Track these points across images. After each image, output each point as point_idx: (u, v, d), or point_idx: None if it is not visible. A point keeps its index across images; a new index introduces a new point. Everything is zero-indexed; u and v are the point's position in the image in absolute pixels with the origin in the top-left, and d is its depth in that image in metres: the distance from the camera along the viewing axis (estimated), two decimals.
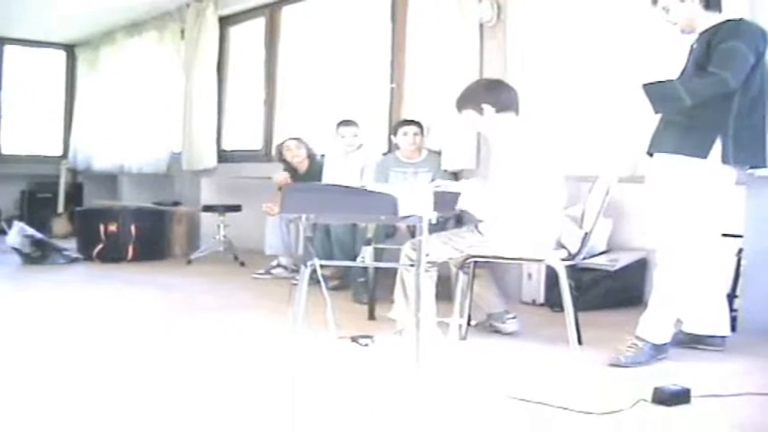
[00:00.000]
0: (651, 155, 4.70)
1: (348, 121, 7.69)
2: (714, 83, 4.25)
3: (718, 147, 4.39)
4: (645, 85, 4.42)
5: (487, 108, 5.06)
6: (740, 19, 4.49)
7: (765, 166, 4.65)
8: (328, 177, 7.58)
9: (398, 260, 5.22)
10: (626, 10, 6.06)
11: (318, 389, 4.01)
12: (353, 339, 5.07)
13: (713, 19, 4.50)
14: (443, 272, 5.18)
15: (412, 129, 6.96)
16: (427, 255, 4.76)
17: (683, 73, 4.62)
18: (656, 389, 3.77)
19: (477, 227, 5.04)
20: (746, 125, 4.41)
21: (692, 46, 4.64)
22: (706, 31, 4.49)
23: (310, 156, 8.16)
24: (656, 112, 4.51)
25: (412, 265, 4.59)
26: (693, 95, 4.28)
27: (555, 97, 6.56)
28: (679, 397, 3.73)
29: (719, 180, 4.52)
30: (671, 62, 4.93)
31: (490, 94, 5.09)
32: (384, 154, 7.71)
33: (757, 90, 4.43)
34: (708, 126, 4.39)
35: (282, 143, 8.32)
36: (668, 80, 4.50)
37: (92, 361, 4.55)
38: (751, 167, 4.74)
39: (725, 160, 4.41)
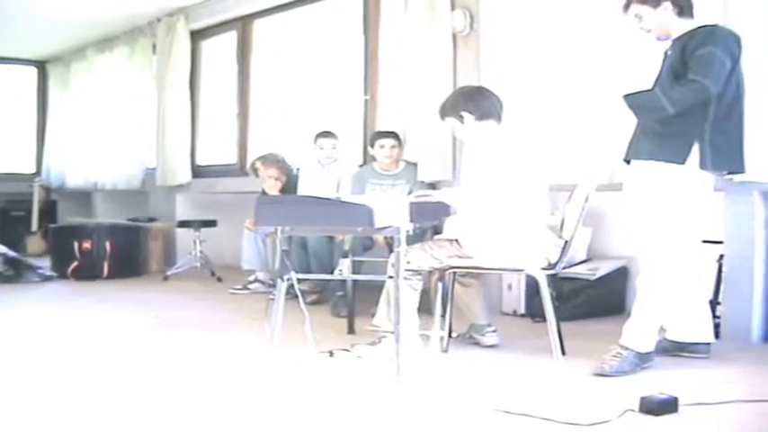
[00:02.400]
0: (628, 162, 4.68)
1: (327, 132, 7.64)
2: (695, 90, 4.23)
3: (695, 153, 4.37)
4: (626, 96, 4.42)
5: (467, 116, 5.05)
6: (714, 25, 4.49)
7: (743, 172, 4.65)
8: (304, 190, 7.51)
9: (376, 272, 5.17)
10: (600, 18, 6.04)
11: (296, 404, 3.96)
12: (331, 354, 5.01)
13: (687, 25, 4.50)
14: (426, 284, 5.13)
15: (389, 141, 6.91)
16: (408, 263, 4.74)
17: (657, 79, 4.61)
18: (642, 398, 3.73)
19: (457, 240, 5.00)
20: (723, 130, 4.40)
21: (665, 52, 4.64)
22: (680, 37, 4.49)
23: (286, 172, 8.02)
24: (639, 120, 4.50)
25: (391, 277, 4.54)
26: (675, 103, 4.27)
27: (530, 106, 6.54)
28: (667, 406, 3.69)
29: (698, 186, 4.50)
30: (645, 69, 4.91)
31: (470, 102, 5.09)
32: (360, 166, 7.67)
33: (733, 96, 4.42)
34: (685, 132, 4.38)
35: (251, 165, 8.23)
36: (648, 90, 4.50)
37: (68, 380, 4.47)
38: (729, 173, 4.73)
39: (703, 166, 4.39)
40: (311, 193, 6.99)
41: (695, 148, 4.37)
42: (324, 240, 6.89)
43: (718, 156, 4.41)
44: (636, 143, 4.62)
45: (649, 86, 4.58)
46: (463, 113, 5.07)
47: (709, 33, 4.38)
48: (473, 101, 5.10)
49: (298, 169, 7.97)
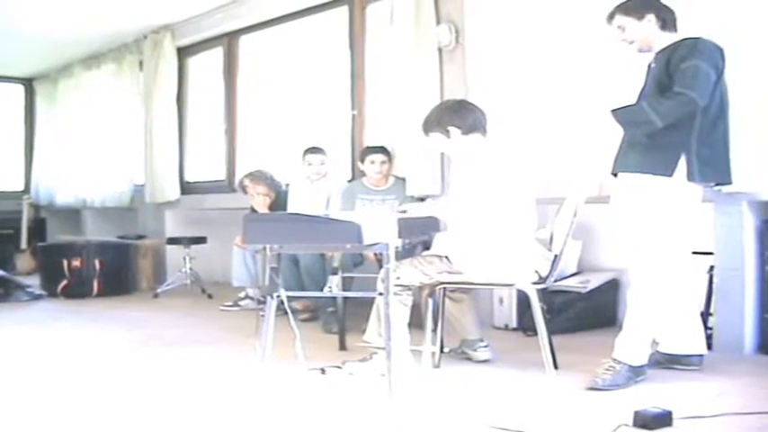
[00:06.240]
0: (615, 175, 4.68)
1: (315, 148, 7.62)
2: (683, 103, 4.25)
3: (682, 164, 4.38)
4: (614, 111, 4.44)
5: (454, 131, 5.03)
6: (698, 37, 4.49)
7: (730, 183, 4.66)
8: (293, 206, 7.50)
9: (367, 289, 5.15)
10: (586, 30, 6.03)
11: (288, 422, 3.94)
12: (322, 371, 4.99)
13: (669, 38, 4.53)
14: (417, 299, 5.11)
15: (379, 157, 6.91)
16: (398, 278, 4.72)
17: (642, 92, 4.64)
18: (636, 412, 3.71)
19: (447, 257, 4.97)
20: (709, 142, 4.42)
21: (649, 65, 4.67)
22: (664, 49, 4.52)
23: (275, 189, 8.02)
24: (626, 134, 4.52)
25: (381, 293, 4.51)
26: (663, 117, 4.28)
27: (517, 119, 6.52)
28: (661, 420, 3.67)
29: (686, 198, 4.51)
30: (630, 81, 4.93)
31: (456, 116, 5.06)
32: (349, 181, 7.65)
33: (718, 108, 4.44)
34: (671, 144, 4.38)
35: (240, 182, 8.21)
36: (636, 104, 4.54)
37: (57, 400, 4.44)
38: (717, 184, 4.74)
39: (690, 178, 4.40)
40: (300, 209, 6.97)
41: (682, 161, 4.38)
42: (316, 257, 6.86)
43: (705, 167, 4.42)
44: (623, 156, 4.63)
45: (634, 99, 4.61)
46: (449, 128, 5.05)
47: (693, 46, 4.40)
48: (458, 115, 5.08)
49: (287, 185, 7.97)
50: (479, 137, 5.08)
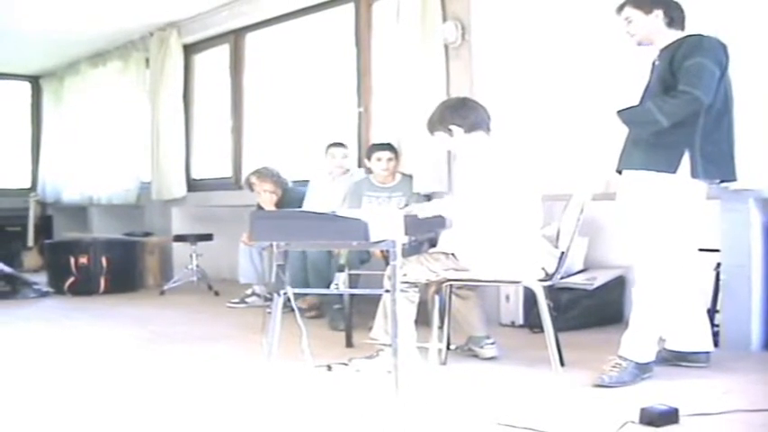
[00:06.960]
0: (620, 172, 4.68)
1: (339, 143, 7.65)
2: (688, 102, 4.25)
3: (686, 161, 4.37)
4: (619, 111, 4.45)
5: (456, 129, 5.02)
6: (701, 34, 4.49)
7: (735, 180, 4.66)
8: (311, 203, 7.48)
9: (374, 286, 5.15)
10: (591, 28, 6.04)
11: (294, 419, 3.95)
12: (329, 368, 5.00)
13: (674, 36, 4.53)
14: (423, 296, 5.11)
15: (386, 154, 6.89)
16: (405, 275, 4.71)
17: (646, 90, 4.64)
18: (643, 409, 3.71)
19: (454, 254, 4.97)
20: (713, 139, 4.42)
21: (653, 62, 4.66)
22: (668, 47, 4.52)
23: (281, 186, 8.02)
24: (632, 132, 4.52)
25: (388, 291, 4.51)
26: (669, 116, 4.29)
27: (524, 116, 6.52)
28: (667, 417, 3.67)
29: (690, 194, 4.51)
30: (635, 79, 4.92)
31: (457, 114, 5.06)
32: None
33: (722, 104, 4.45)
34: (675, 142, 4.39)
35: (247, 179, 8.21)
36: (641, 104, 4.56)
37: (62, 397, 4.45)
38: (722, 181, 4.73)
39: (694, 175, 4.40)
40: (318, 206, 6.95)
41: (686, 158, 4.37)
42: (323, 254, 6.85)
43: (709, 164, 4.42)
44: (627, 153, 4.63)
45: (638, 97, 4.61)
46: (452, 127, 5.05)
47: (697, 43, 4.40)
48: (460, 114, 5.07)
49: (299, 182, 7.98)
50: (483, 134, 5.08)
